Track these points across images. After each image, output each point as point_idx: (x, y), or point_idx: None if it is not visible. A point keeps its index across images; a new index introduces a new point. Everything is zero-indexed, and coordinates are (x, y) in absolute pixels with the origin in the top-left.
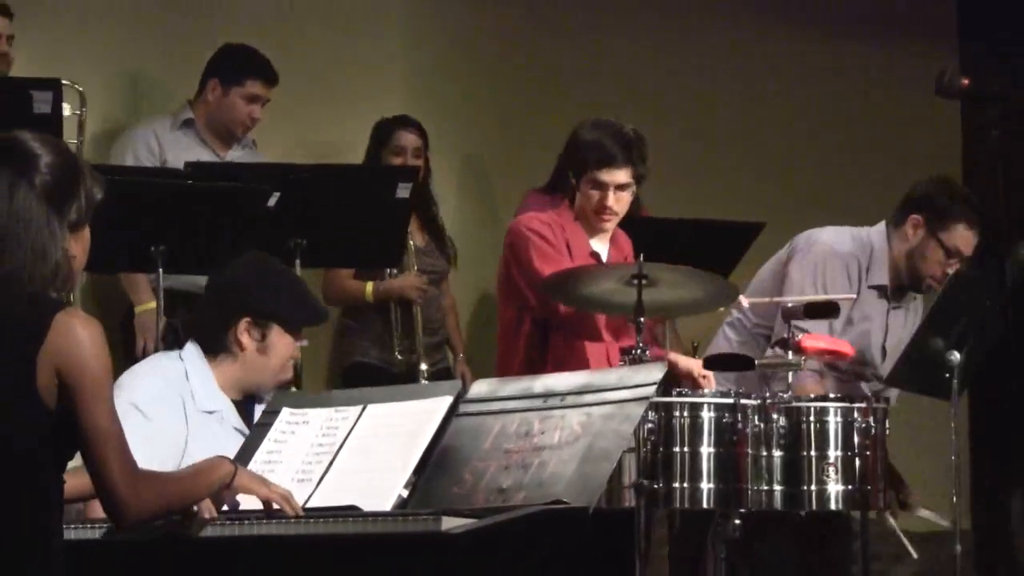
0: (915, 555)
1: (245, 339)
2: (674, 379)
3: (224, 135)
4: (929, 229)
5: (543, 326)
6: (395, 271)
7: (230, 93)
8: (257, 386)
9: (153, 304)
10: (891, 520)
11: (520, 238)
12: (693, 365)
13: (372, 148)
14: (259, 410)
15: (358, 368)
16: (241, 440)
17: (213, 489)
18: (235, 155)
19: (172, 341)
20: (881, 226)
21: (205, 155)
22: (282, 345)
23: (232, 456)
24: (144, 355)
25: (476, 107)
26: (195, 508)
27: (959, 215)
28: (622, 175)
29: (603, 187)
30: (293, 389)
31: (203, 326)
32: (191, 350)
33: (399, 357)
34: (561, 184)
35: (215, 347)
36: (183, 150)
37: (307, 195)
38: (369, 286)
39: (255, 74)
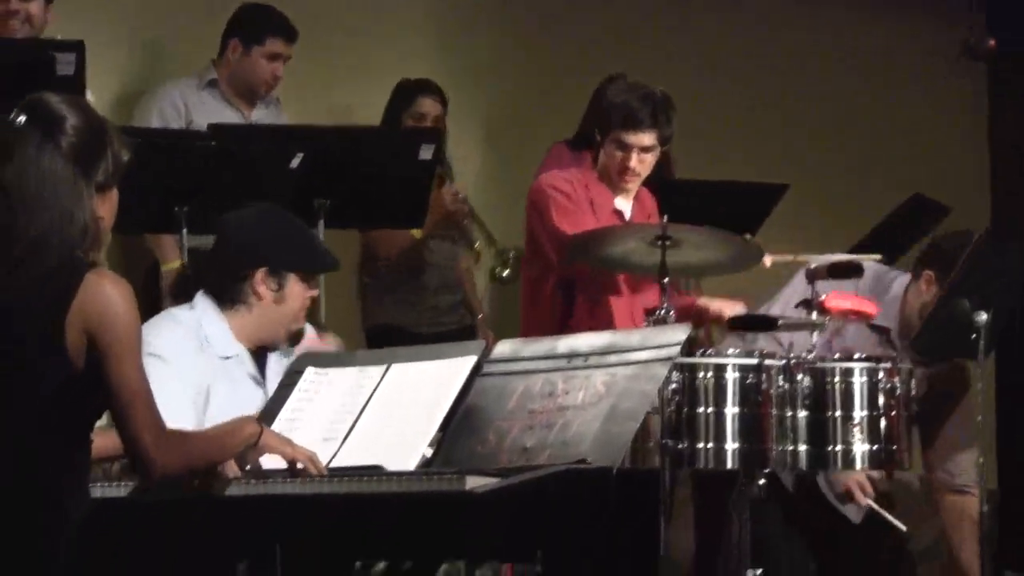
0: (904, 528)
1: (262, 289)
2: (703, 324)
3: (247, 94)
4: (941, 287)
5: (567, 285)
6: None
7: (251, 52)
8: (272, 336)
9: (179, 262)
10: (873, 504)
11: (542, 196)
12: (725, 306)
13: (391, 109)
14: (271, 359)
15: (381, 329)
16: (257, 388)
17: (239, 449)
18: (260, 114)
19: (180, 293)
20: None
21: (230, 115)
22: (297, 293)
23: (252, 408)
24: None
25: (499, 68)
26: (220, 467)
27: None
28: (647, 138)
29: (627, 148)
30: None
31: (216, 278)
32: (202, 301)
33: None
34: (587, 140)
35: (230, 298)
36: (209, 110)
37: (330, 156)
38: None
39: (275, 32)
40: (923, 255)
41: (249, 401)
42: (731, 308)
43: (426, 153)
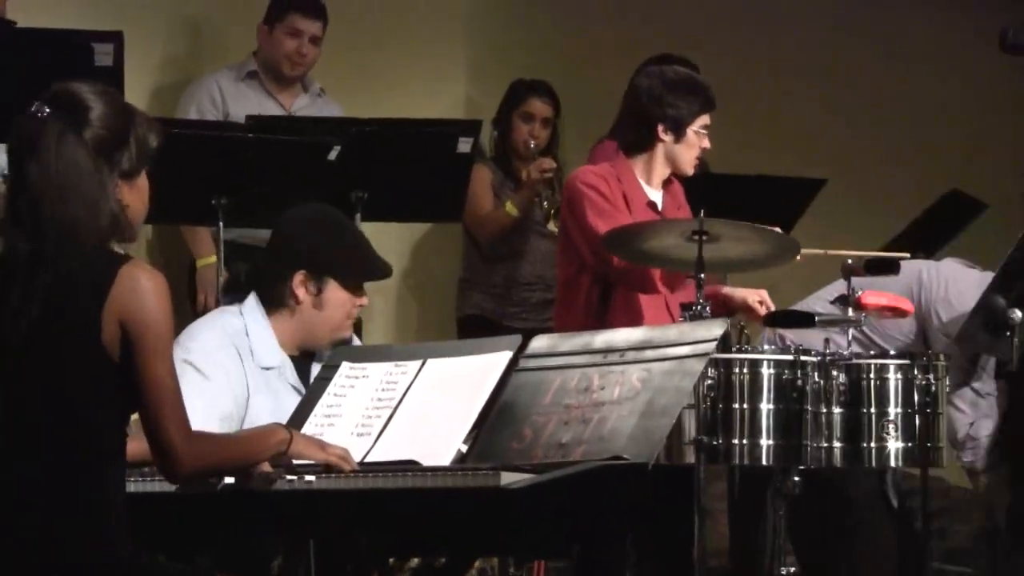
0: None
1: (301, 293)
2: (731, 312)
3: (278, 76)
4: None
5: (603, 282)
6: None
7: (275, 31)
8: (313, 341)
9: (214, 259)
10: None
11: (575, 193)
12: (749, 294)
13: (503, 107)
14: (316, 369)
15: (471, 320)
16: (299, 398)
17: (268, 455)
18: (301, 104)
19: (232, 290)
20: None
21: (270, 106)
22: (338, 300)
23: (291, 413)
24: (204, 310)
25: (541, 57)
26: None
27: None
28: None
29: (706, 129)
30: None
31: (263, 278)
32: (251, 304)
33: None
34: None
35: (273, 300)
36: (247, 102)
37: (368, 148)
38: (507, 204)
39: (295, 8)
40: None
41: (291, 412)
42: (755, 296)
43: (464, 146)
